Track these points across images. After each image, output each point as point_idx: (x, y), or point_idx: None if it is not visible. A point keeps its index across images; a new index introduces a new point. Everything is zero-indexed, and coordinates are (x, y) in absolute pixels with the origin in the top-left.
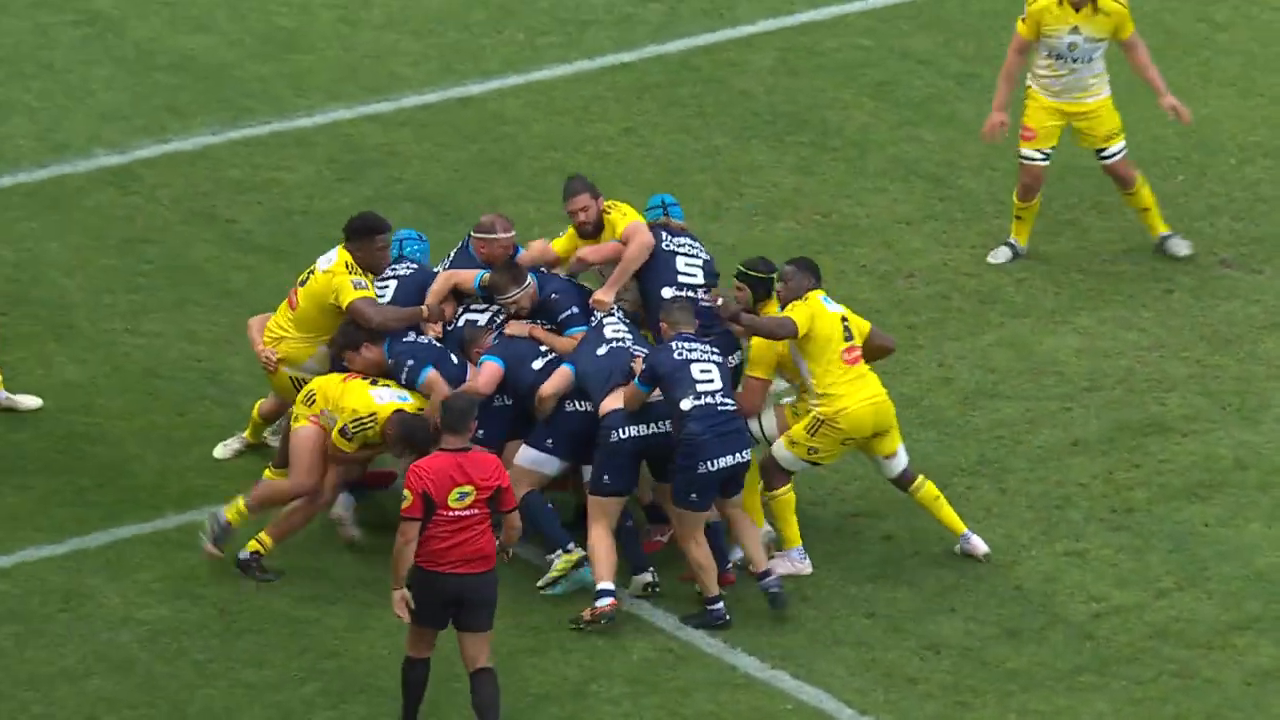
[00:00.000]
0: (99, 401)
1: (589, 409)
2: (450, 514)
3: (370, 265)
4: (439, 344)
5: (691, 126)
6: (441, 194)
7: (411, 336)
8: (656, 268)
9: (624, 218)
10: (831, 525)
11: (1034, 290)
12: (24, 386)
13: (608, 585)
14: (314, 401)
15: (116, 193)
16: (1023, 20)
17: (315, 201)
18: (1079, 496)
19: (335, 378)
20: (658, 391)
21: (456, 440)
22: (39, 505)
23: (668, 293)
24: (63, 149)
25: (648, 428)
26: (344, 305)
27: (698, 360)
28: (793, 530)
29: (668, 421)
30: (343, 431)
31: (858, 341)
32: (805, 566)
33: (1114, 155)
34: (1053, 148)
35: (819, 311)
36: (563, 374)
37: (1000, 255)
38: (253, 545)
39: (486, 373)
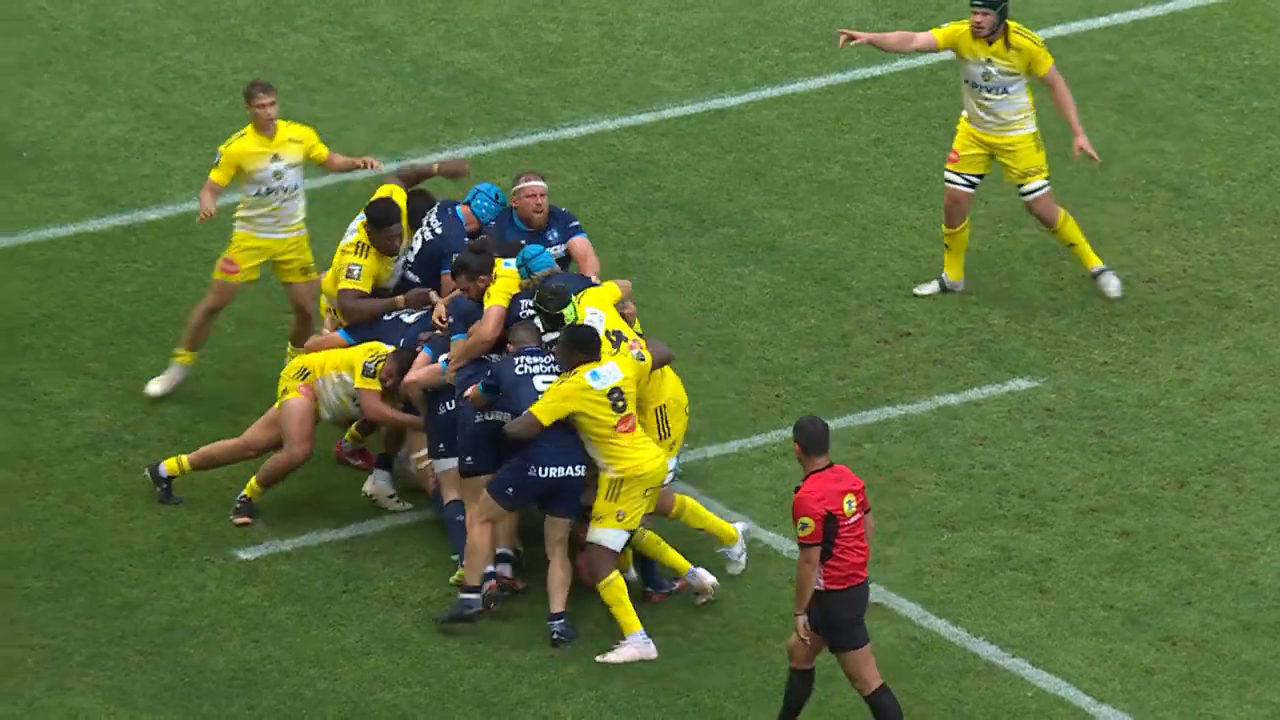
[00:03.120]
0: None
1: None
2: (849, 524)
3: (382, 249)
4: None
5: (938, 137)
6: (698, 201)
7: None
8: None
9: (489, 299)
10: (1070, 520)
11: (1273, 295)
12: None
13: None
14: (308, 374)
15: None
16: (941, 29)
17: (578, 208)
18: None
19: (333, 351)
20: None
21: (819, 460)
22: (319, 493)
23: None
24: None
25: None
26: (333, 292)
27: (539, 374)
28: (630, 617)
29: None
30: (365, 370)
31: (632, 408)
32: (650, 650)
33: (1032, 193)
34: (979, 175)
35: (575, 396)
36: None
37: (928, 288)
38: (249, 490)
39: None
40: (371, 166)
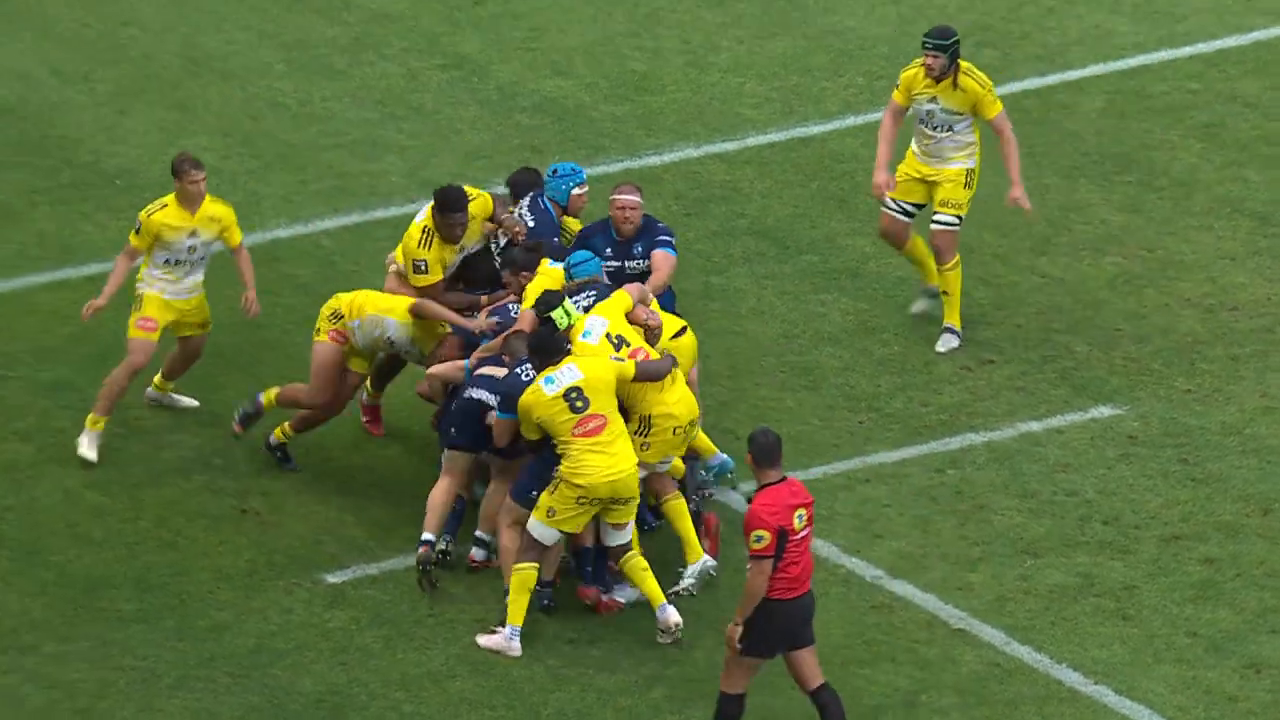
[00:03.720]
0: None
1: None
2: (797, 538)
3: (445, 236)
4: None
5: (1021, 166)
6: (782, 228)
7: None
8: None
9: (525, 300)
10: (1153, 547)
11: None
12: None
13: (428, 536)
14: (340, 316)
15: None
16: (896, 87)
17: None
18: None
19: (370, 293)
20: None
21: (772, 473)
22: (406, 518)
23: None
24: (430, 185)
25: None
26: (410, 280)
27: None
28: (518, 611)
29: None
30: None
31: (599, 409)
32: (514, 648)
33: (942, 224)
34: (914, 205)
35: (534, 405)
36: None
37: (920, 305)
38: (278, 434)
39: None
40: (249, 307)
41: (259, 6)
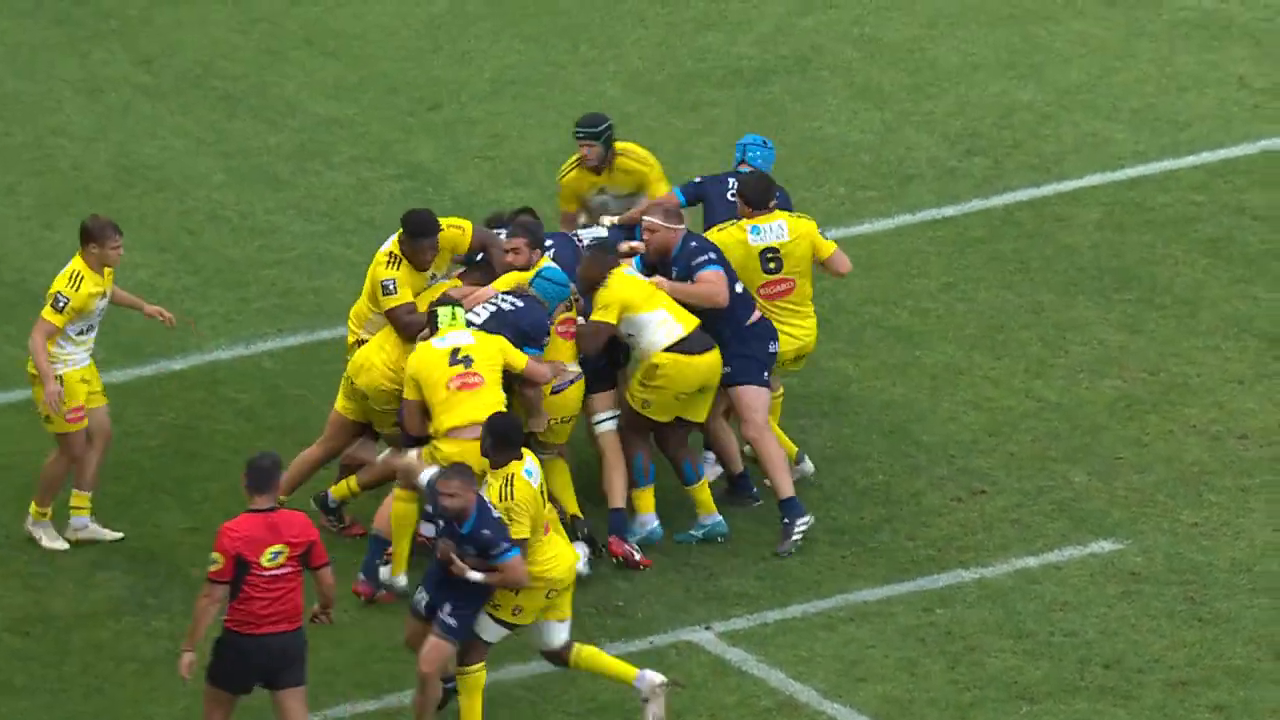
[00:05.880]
0: None
1: None
2: (266, 575)
3: (415, 263)
4: None
5: (1014, 282)
6: None
7: None
8: None
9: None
10: (1158, 693)
11: None
12: None
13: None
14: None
15: None
16: (559, 194)
17: None
18: None
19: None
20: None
21: (264, 500)
22: (352, 660)
23: None
24: None
25: None
26: (367, 314)
27: None
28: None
29: None
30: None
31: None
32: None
33: None
34: None
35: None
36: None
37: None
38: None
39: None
40: (164, 315)
41: (196, 112)
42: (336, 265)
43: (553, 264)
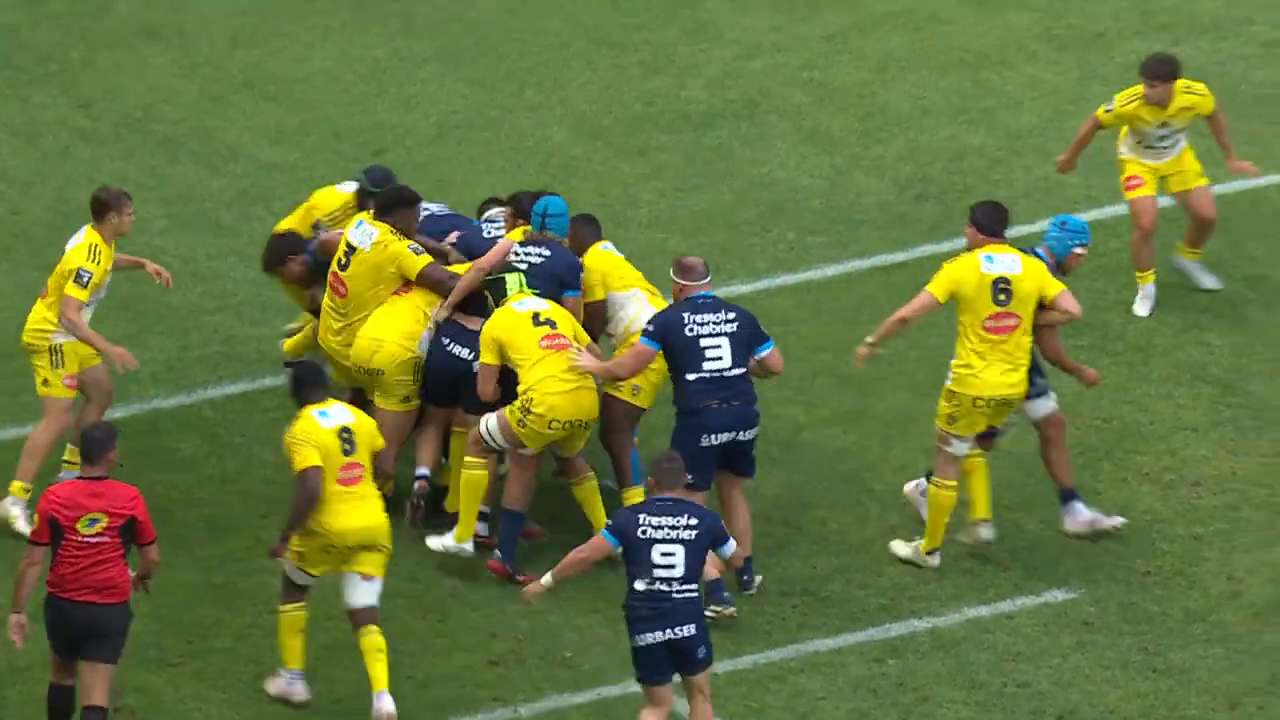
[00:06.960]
0: None
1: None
2: (79, 540)
3: (409, 235)
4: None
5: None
6: None
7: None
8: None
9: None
10: None
11: None
12: None
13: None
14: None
15: None
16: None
17: None
18: None
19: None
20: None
21: (93, 469)
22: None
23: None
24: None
25: None
26: (412, 274)
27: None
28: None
29: None
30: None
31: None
32: (298, 690)
33: None
34: None
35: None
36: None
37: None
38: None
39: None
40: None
41: (136, 157)
42: (279, 312)
43: (554, 197)
